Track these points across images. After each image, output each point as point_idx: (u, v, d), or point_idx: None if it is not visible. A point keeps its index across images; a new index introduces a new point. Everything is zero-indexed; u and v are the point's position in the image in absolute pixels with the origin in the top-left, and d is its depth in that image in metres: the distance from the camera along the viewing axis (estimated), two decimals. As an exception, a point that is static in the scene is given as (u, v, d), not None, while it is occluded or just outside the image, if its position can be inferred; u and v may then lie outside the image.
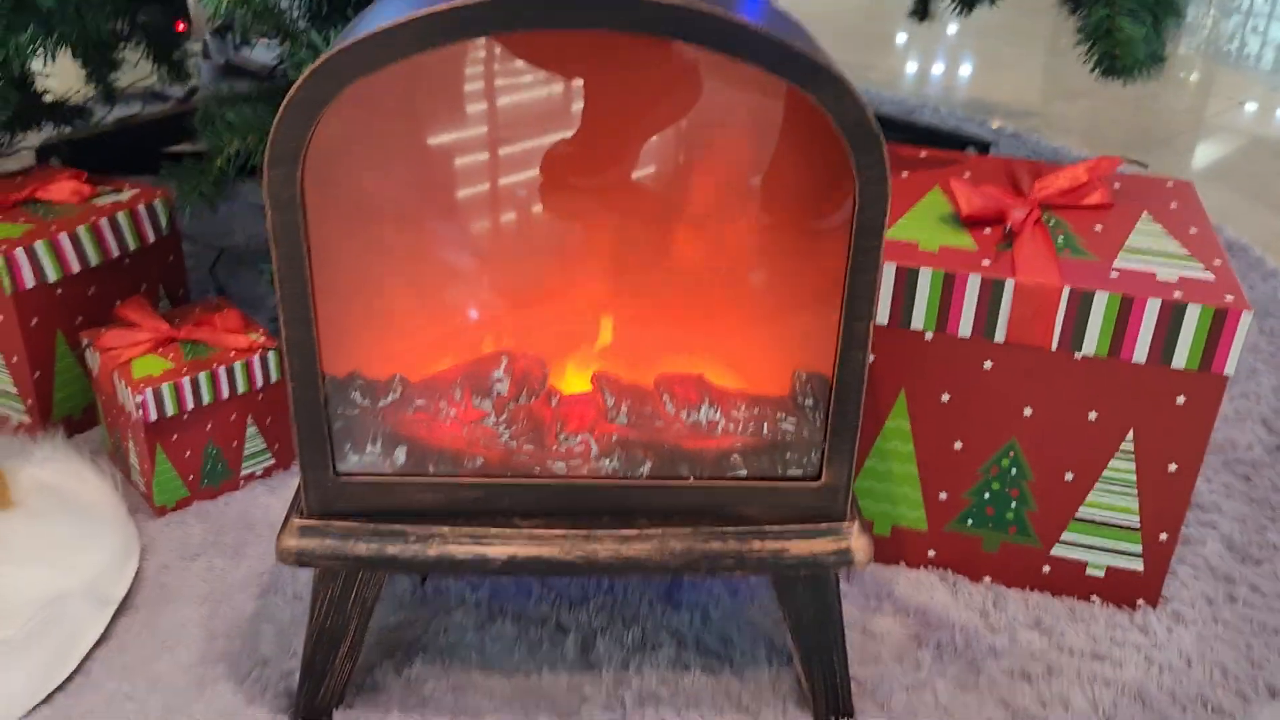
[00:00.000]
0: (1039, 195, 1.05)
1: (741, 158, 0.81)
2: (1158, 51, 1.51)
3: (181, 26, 1.74)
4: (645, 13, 0.66)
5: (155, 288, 1.30)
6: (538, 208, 0.82)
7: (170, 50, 1.57)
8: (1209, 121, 2.51)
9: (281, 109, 0.69)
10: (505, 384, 0.82)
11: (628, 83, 0.80)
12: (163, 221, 1.27)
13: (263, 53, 2.53)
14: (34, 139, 1.63)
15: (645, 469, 0.84)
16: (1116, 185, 1.12)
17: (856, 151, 0.71)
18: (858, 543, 0.85)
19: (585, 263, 0.84)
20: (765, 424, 0.84)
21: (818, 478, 0.84)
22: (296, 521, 0.83)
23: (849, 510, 0.85)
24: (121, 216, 1.22)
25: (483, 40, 0.76)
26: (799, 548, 0.84)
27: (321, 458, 0.81)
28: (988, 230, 1.02)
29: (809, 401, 0.83)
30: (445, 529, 0.83)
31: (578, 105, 0.80)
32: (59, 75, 1.44)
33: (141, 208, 1.24)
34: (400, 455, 0.83)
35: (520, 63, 0.79)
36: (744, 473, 0.84)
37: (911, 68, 2.87)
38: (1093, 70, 1.51)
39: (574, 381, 0.85)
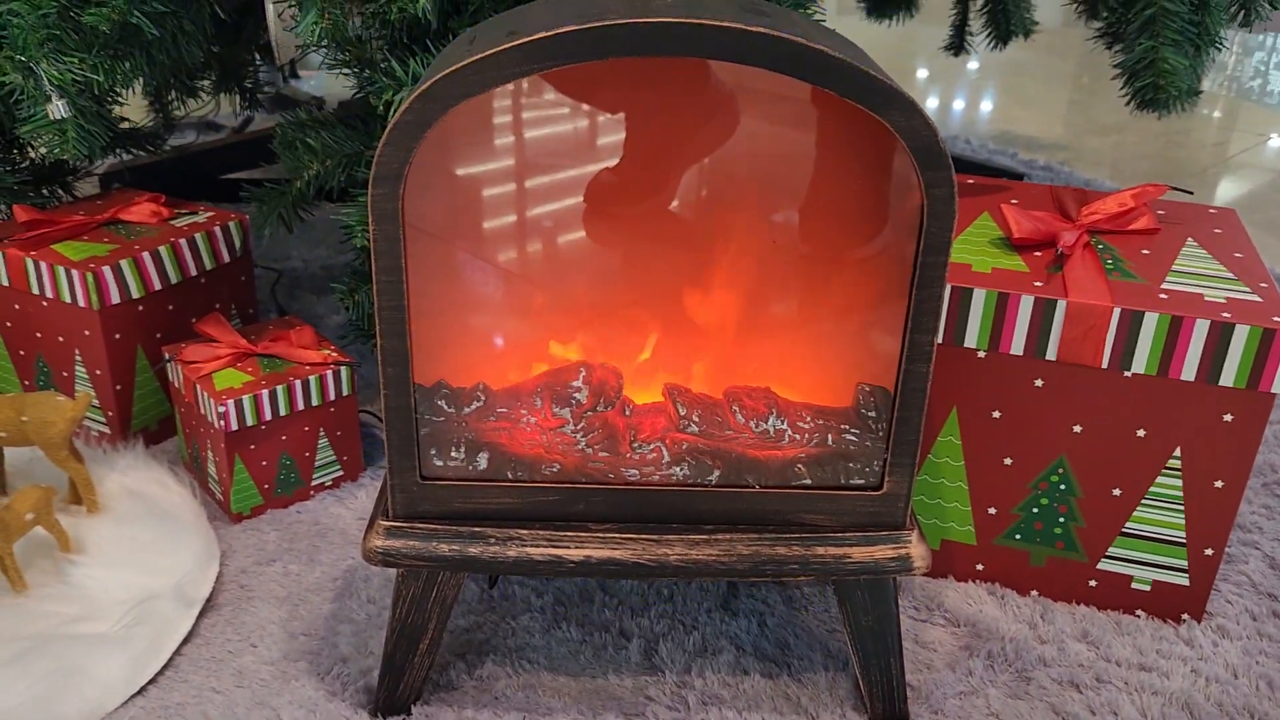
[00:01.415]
0: (1087, 220, 1.09)
1: (809, 179, 0.85)
2: (1195, 84, 1.54)
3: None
4: (729, 39, 0.71)
5: (228, 306, 1.35)
6: (613, 227, 0.87)
7: (242, 80, 1.63)
8: (1235, 157, 2.54)
9: (388, 130, 0.74)
10: (583, 394, 0.87)
11: (686, 107, 0.84)
12: (237, 243, 1.33)
13: (307, 84, 2.62)
14: (99, 165, 1.69)
15: (714, 477, 0.88)
16: (1161, 212, 1.16)
17: (925, 171, 0.76)
18: (916, 549, 0.88)
19: (660, 279, 0.88)
20: (829, 435, 0.88)
21: (879, 487, 0.88)
22: (383, 523, 0.87)
23: (908, 519, 0.89)
24: (199, 237, 1.28)
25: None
26: (861, 553, 0.88)
27: (409, 462, 0.86)
28: (1038, 253, 1.06)
29: (872, 413, 0.87)
30: (523, 532, 0.87)
31: (642, 129, 0.85)
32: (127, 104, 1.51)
33: (218, 229, 1.30)
34: (482, 461, 0.87)
35: (573, 90, 0.84)
36: (808, 481, 0.88)
37: (934, 102, 2.92)
38: (1129, 102, 1.54)
39: (647, 392, 0.89)
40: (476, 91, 0.73)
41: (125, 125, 1.51)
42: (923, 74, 3.23)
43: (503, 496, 0.87)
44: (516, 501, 0.87)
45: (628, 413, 0.88)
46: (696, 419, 0.87)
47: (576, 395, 0.86)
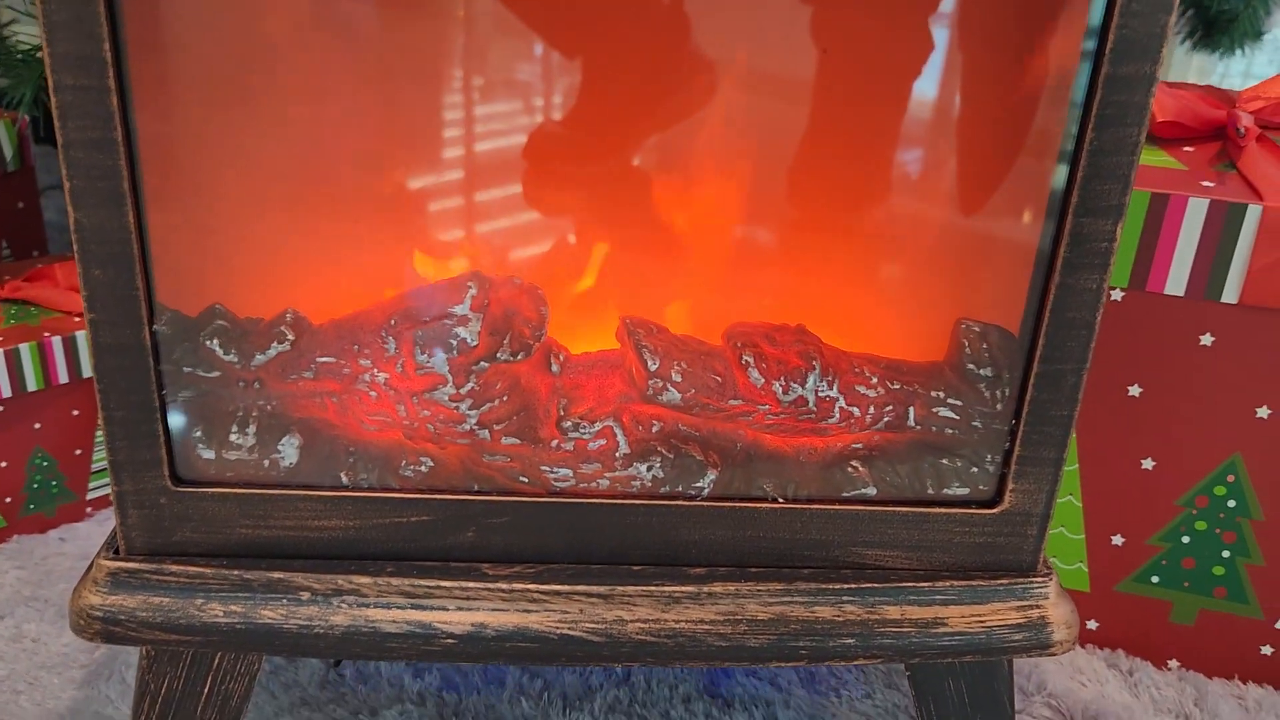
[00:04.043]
0: (1252, 107, 0.73)
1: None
2: (1260, 23, 1.37)
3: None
4: None
5: (-4, 241, 0.95)
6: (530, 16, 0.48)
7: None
8: None
9: None
10: (473, 327, 0.48)
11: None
12: (7, 152, 0.93)
13: None
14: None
15: (706, 483, 0.50)
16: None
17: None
18: (1057, 611, 0.51)
19: (613, 133, 0.50)
20: (910, 408, 0.50)
21: (995, 502, 0.50)
22: (106, 564, 0.48)
23: (1041, 558, 0.52)
24: (-57, 139, 0.88)
25: None
26: (962, 618, 0.50)
27: (149, 453, 0.47)
28: (1189, 149, 0.69)
29: (985, 371, 0.49)
30: (364, 580, 0.48)
31: None
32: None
33: (-26, 129, 0.90)
34: (289, 451, 0.48)
35: None
36: (871, 491, 0.50)
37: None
38: (1189, 38, 1.36)
39: (589, 334, 0.51)
40: None
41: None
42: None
43: (328, 517, 0.48)
44: (352, 526, 0.49)
45: (556, 367, 0.50)
46: (677, 378, 0.49)
47: (460, 331, 0.48)
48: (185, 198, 0.45)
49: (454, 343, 0.47)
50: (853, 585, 0.50)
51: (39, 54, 0.78)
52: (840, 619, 0.49)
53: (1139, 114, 0.42)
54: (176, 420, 0.47)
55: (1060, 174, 0.45)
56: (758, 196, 0.50)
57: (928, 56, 0.47)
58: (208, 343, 0.47)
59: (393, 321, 0.48)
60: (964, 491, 0.50)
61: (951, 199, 0.49)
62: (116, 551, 0.49)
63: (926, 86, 0.48)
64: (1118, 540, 0.71)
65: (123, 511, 0.48)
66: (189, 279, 0.47)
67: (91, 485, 0.80)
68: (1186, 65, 1.73)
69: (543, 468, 0.49)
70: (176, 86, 0.43)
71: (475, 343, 0.47)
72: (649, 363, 0.49)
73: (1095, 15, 0.42)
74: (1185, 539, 0.69)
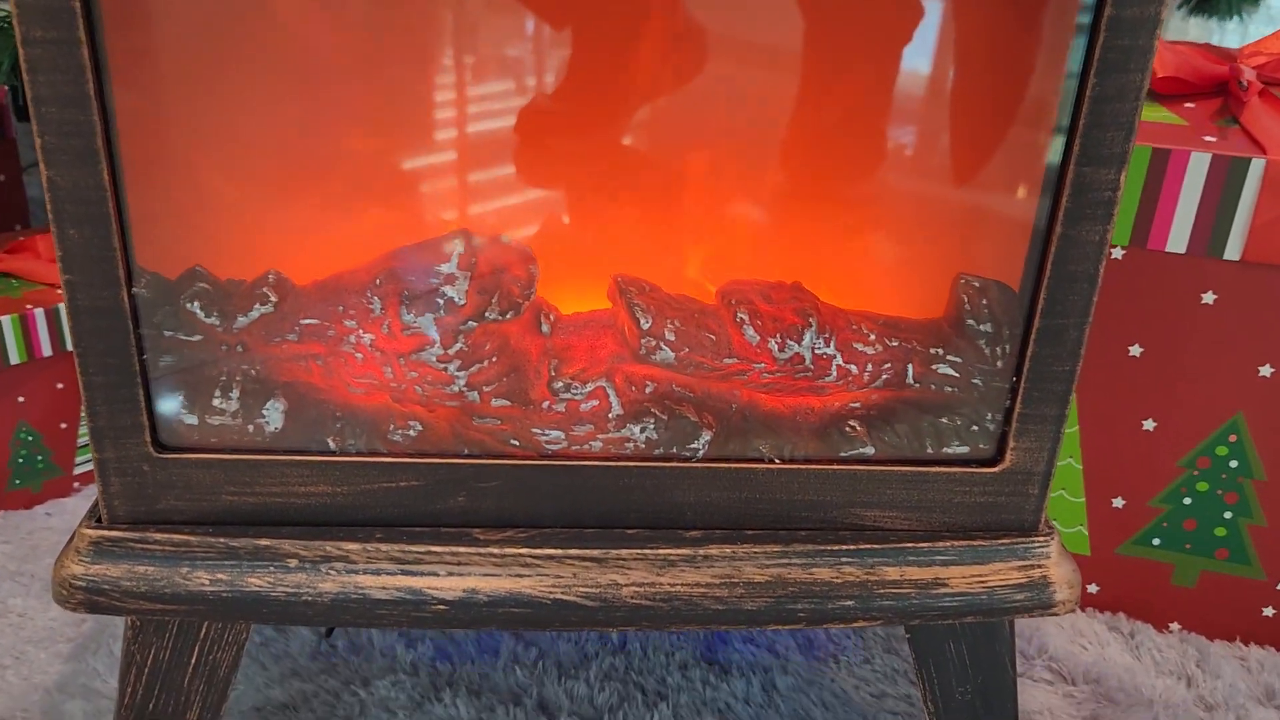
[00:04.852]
0: (1254, 63, 0.71)
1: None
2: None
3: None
4: None
5: (-23, 215, 0.93)
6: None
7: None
8: None
9: None
10: (460, 286, 0.46)
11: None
12: (-12, 123, 0.91)
13: None
14: None
15: (701, 444, 0.48)
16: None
17: None
18: (1059, 570, 0.50)
19: (604, 86, 0.48)
20: (908, 366, 0.49)
21: (996, 460, 0.49)
22: (88, 532, 0.47)
23: (1043, 518, 0.51)
24: (-79, 109, 0.86)
25: None
26: (963, 579, 0.49)
27: (130, 418, 0.45)
28: (1189, 105, 0.68)
29: (985, 326, 0.48)
30: (352, 546, 0.47)
31: None
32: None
33: (-46, 100, 0.88)
34: (274, 415, 0.47)
35: None
36: (869, 451, 0.49)
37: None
38: (1180, 7, 1.35)
39: (581, 293, 0.50)
40: None
41: None
42: None
43: (314, 482, 0.47)
44: (340, 491, 0.47)
45: (546, 327, 0.49)
46: (671, 336, 0.48)
47: (448, 290, 0.46)
48: (163, 157, 0.43)
49: (441, 302, 0.46)
50: (851, 546, 0.49)
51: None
52: (839, 581, 0.48)
53: (1143, 59, 0.41)
54: (158, 385, 0.46)
55: (1062, 122, 0.44)
56: (754, 160, 0.49)
57: (922, 13, 0.46)
58: (189, 305, 0.46)
59: (378, 281, 0.46)
60: (964, 450, 0.49)
61: (950, 153, 0.48)
62: (99, 520, 0.47)
63: (922, 43, 0.46)
64: (1118, 503, 0.70)
65: (105, 479, 0.46)
66: (169, 241, 0.45)
67: (78, 460, 0.79)
68: (1183, 32, 1.72)
69: (534, 430, 0.48)
70: (152, 40, 0.41)
71: (463, 302, 0.46)
72: (641, 321, 0.47)
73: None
74: (1186, 500, 0.69)
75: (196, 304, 0.46)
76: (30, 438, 0.76)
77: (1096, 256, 0.45)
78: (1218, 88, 0.70)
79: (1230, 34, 1.75)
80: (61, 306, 0.74)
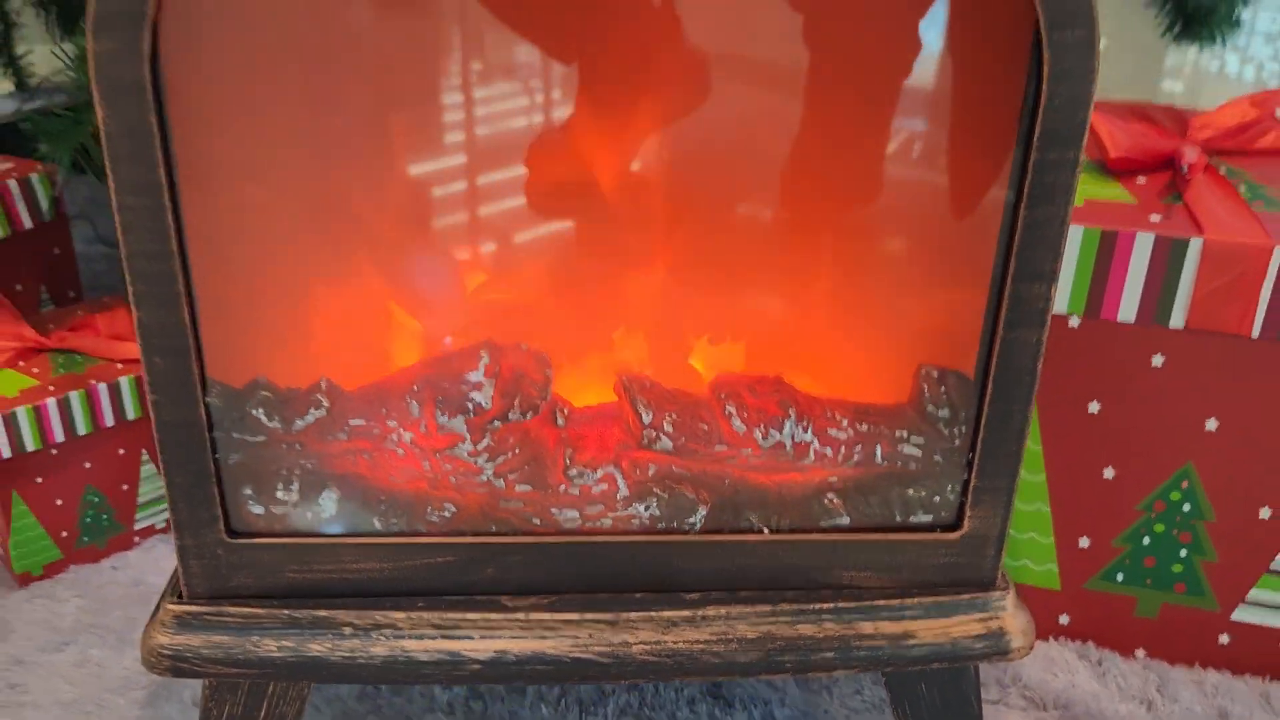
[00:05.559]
0: (1200, 136, 0.78)
1: (839, 36, 0.53)
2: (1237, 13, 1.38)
3: None
4: None
5: (35, 288, 1.01)
6: (533, 125, 0.54)
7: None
8: None
9: (107, -69, 0.41)
10: (487, 392, 0.54)
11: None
12: (43, 203, 0.99)
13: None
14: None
15: (698, 518, 0.56)
16: (1286, 127, 0.85)
17: (1051, 11, 0.44)
18: (1014, 621, 0.57)
19: (608, 211, 0.56)
20: (877, 447, 0.56)
21: (956, 525, 0.56)
22: (171, 608, 0.55)
23: (1000, 574, 0.58)
24: (-15, 195, 0.94)
25: None
26: (929, 631, 0.56)
27: (206, 511, 0.53)
28: (1141, 180, 0.75)
29: (944, 412, 0.55)
30: (398, 615, 0.54)
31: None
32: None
33: (13, 184, 0.96)
34: (328, 504, 0.55)
35: None
36: (846, 520, 0.56)
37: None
38: (1164, 34, 1.36)
39: (591, 389, 0.57)
40: None
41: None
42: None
43: (364, 560, 0.55)
44: (386, 567, 0.55)
45: (561, 421, 0.56)
46: (669, 427, 0.55)
47: (476, 395, 0.54)
48: (231, 293, 0.51)
49: (470, 406, 0.53)
50: (831, 605, 0.56)
51: (74, 115, 0.84)
52: (821, 635, 0.56)
53: (1065, 193, 0.48)
54: (229, 481, 0.54)
55: (1004, 242, 0.51)
56: (745, 260, 0.56)
57: (888, 139, 0.53)
58: (254, 411, 0.53)
59: (416, 387, 0.54)
60: (928, 518, 0.57)
61: (913, 266, 0.55)
62: (180, 596, 0.55)
63: (886, 171, 0.54)
64: (1084, 543, 0.77)
65: (185, 562, 0.54)
66: (235, 356, 0.53)
67: (138, 516, 0.87)
68: (1180, 56, 1.77)
69: (552, 510, 0.56)
70: (221, 204, 0.49)
71: (489, 405, 0.54)
72: (643, 415, 0.55)
73: (1026, 111, 0.48)
74: (1146, 540, 0.75)
75: (260, 410, 0.54)
76: (96, 499, 0.84)
77: (1035, 354, 0.52)
78: (1168, 161, 0.77)
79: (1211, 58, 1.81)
80: (123, 380, 0.81)
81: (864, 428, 0.56)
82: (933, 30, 0.50)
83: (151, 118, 0.44)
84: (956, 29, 0.50)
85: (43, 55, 1.32)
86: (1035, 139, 0.47)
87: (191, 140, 0.47)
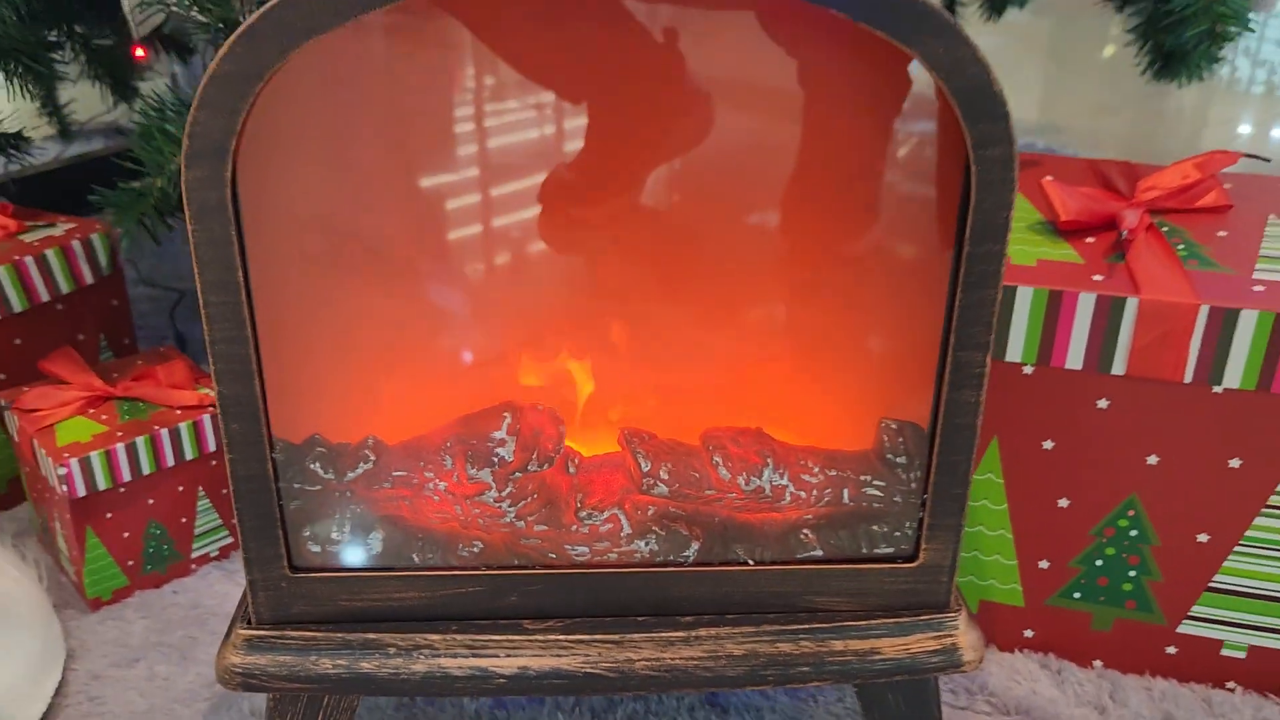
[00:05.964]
0: (1146, 197, 0.87)
1: (804, 148, 0.62)
2: (1216, 51, 1.40)
3: (141, 54, 1.57)
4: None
5: (95, 338, 1.11)
6: (542, 223, 0.64)
7: (125, 77, 1.40)
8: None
9: (202, 84, 0.51)
10: (509, 447, 0.63)
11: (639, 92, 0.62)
12: (102, 260, 1.09)
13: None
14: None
15: (691, 551, 0.65)
16: (1228, 185, 0.94)
17: (974, 123, 0.53)
18: (966, 637, 0.66)
19: (608, 292, 0.65)
20: (845, 489, 0.65)
21: (914, 557, 0.65)
22: (242, 632, 0.64)
23: (953, 597, 0.67)
24: (52, 254, 1.04)
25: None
26: (892, 646, 0.65)
27: (273, 549, 0.62)
28: (1090, 239, 0.84)
29: (901, 459, 0.64)
30: (435, 637, 0.64)
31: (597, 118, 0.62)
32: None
33: (76, 244, 1.06)
34: (375, 543, 0.64)
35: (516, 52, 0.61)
36: (819, 553, 0.65)
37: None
38: (1144, 71, 1.39)
39: (597, 441, 0.67)
40: (327, 25, 0.50)
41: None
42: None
43: (406, 590, 0.64)
44: (424, 596, 0.64)
45: (572, 470, 0.65)
46: (665, 475, 0.65)
47: (500, 450, 0.63)
48: (293, 368, 0.60)
49: (495, 459, 0.63)
50: (806, 626, 0.65)
51: (138, 187, 0.94)
52: (797, 652, 0.65)
53: (994, 280, 0.57)
54: (291, 524, 0.63)
55: (946, 319, 0.60)
56: (730, 331, 0.66)
57: (861, 232, 0.62)
58: (311, 465, 0.63)
59: (449, 443, 0.63)
60: (890, 550, 0.66)
61: (877, 335, 0.64)
62: (249, 622, 0.65)
63: (857, 258, 0.63)
64: (1044, 564, 0.85)
65: (254, 593, 0.64)
66: (295, 417, 0.62)
67: (194, 546, 0.96)
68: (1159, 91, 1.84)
69: (566, 546, 0.65)
70: (287, 299, 0.58)
71: (511, 458, 0.63)
72: (643, 465, 0.64)
73: (961, 213, 0.57)
74: (1099, 562, 0.84)
75: (317, 463, 0.63)
76: (158, 531, 0.93)
77: (975, 412, 0.61)
78: (1114, 223, 0.85)
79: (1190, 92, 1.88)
80: (182, 426, 0.91)
81: (833, 473, 0.65)
82: (893, 144, 0.59)
83: (232, 231, 0.54)
84: (909, 144, 0.59)
85: (85, 98, 1.43)
86: (968, 234, 0.56)
87: (261, 247, 0.56)
